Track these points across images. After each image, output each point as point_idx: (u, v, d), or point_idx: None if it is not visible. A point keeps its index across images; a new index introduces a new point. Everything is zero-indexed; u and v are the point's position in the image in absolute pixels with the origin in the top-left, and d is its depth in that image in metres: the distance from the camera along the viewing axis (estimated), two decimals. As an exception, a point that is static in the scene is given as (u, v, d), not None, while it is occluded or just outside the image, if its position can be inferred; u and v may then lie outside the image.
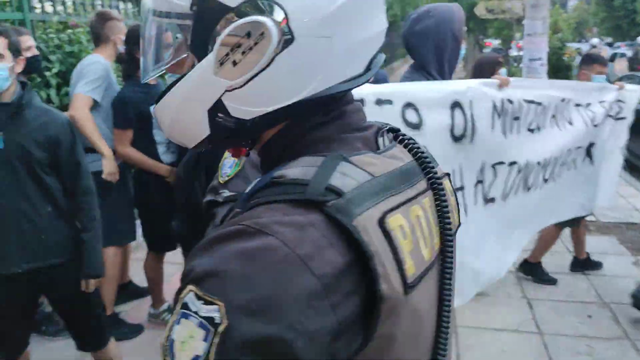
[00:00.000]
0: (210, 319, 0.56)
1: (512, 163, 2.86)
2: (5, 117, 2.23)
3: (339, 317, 0.60)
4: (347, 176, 0.67)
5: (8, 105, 2.24)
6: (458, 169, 2.53)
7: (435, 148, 2.34)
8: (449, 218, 0.78)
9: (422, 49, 2.52)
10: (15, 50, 2.25)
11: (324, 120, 0.76)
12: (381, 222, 0.66)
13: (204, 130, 0.76)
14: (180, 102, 0.75)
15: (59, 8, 5.06)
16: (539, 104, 3.03)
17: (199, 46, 0.71)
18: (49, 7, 4.91)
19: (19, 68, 2.30)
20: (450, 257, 0.79)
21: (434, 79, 2.53)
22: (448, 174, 0.89)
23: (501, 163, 2.78)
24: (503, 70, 4.34)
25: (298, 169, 0.68)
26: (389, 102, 2.25)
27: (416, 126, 2.31)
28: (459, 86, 2.52)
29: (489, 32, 25.08)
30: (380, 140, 0.79)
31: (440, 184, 0.79)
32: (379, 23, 0.76)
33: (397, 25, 36.87)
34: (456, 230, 0.88)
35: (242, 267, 0.57)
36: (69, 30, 4.48)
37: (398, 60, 26.51)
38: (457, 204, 0.93)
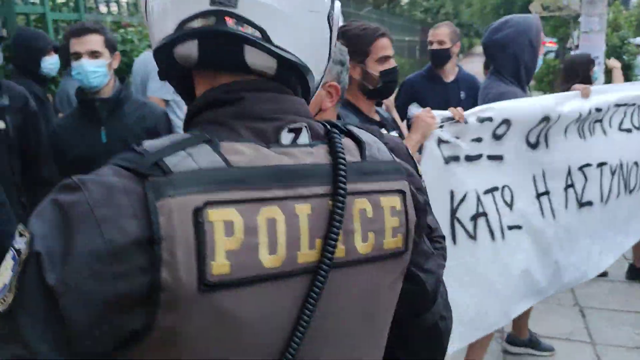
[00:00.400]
0: (18, 251, 0.61)
1: (601, 164, 2.88)
2: (106, 112, 2.28)
3: (118, 289, 0.60)
4: (191, 158, 0.66)
5: (108, 100, 2.30)
6: (540, 174, 2.63)
7: (511, 156, 2.44)
8: (334, 234, 0.72)
9: (501, 57, 2.68)
10: (112, 47, 2.30)
11: (220, 99, 0.75)
12: (197, 211, 0.63)
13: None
14: None
15: (113, 9, 5.22)
16: (632, 104, 3.08)
17: None
18: (103, 8, 5.07)
19: (116, 64, 2.35)
20: (323, 274, 0.72)
21: (511, 84, 2.68)
22: (401, 191, 0.82)
23: (588, 165, 2.81)
24: (596, 70, 4.25)
25: (159, 141, 0.69)
26: (489, 119, 2.38)
27: (499, 137, 2.44)
28: (548, 101, 2.67)
29: (545, 31, 24.41)
30: (284, 134, 0.75)
31: (341, 200, 0.73)
32: None
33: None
34: (401, 252, 0.82)
35: (50, 214, 0.62)
36: (122, 30, 4.62)
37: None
38: (413, 225, 0.84)
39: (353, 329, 0.80)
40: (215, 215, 0.64)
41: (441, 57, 3.80)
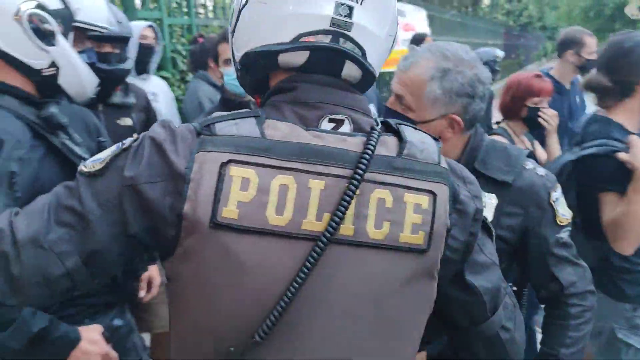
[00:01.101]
0: (124, 143, 0.88)
1: None
2: None
3: (164, 199, 0.82)
4: (235, 126, 0.84)
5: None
6: None
7: None
8: (340, 210, 0.80)
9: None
10: None
11: (280, 88, 0.91)
12: (222, 165, 0.80)
13: (235, 72, 1.02)
14: None
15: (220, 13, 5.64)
16: None
17: None
18: (210, 13, 5.50)
19: None
20: (324, 242, 0.80)
21: None
22: (432, 192, 0.87)
23: None
24: None
25: (225, 113, 0.88)
26: None
27: None
28: None
29: None
30: (325, 122, 0.88)
31: (353, 188, 0.81)
32: (315, 7, 0.85)
33: (533, 26, 35.25)
34: (421, 249, 0.86)
35: (144, 135, 0.87)
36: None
37: (533, 63, 25.39)
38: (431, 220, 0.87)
39: (355, 310, 0.85)
40: (236, 172, 0.80)
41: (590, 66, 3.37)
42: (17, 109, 1.31)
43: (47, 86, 1.41)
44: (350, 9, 0.85)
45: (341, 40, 0.87)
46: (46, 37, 1.35)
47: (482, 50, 5.39)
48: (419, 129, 0.93)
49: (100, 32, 1.96)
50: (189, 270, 0.82)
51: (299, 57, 0.89)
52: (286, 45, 0.87)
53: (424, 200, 0.86)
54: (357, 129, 0.89)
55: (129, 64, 2.27)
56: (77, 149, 1.42)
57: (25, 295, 0.84)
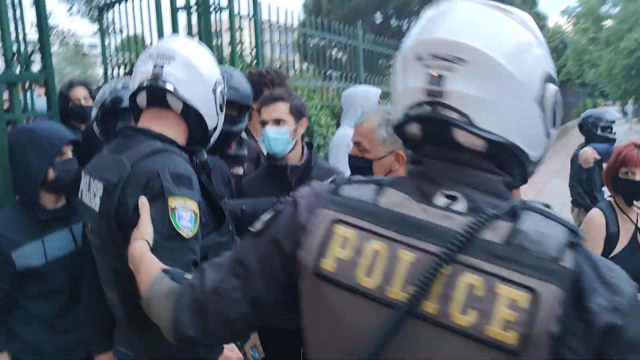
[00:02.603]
0: (278, 207, 1.02)
1: None
2: (295, 179, 2.35)
3: (292, 248, 0.94)
4: (357, 191, 0.93)
5: (298, 167, 2.38)
6: None
7: None
8: (422, 289, 0.80)
9: None
10: (298, 113, 2.37)
11: (414, 160, 0.96)
12: (332, 222, 0.90)
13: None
14: None
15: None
16: None
17: None
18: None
19: (302, 130, 2.41)
20: (402, 313, 0.81)
21: None
22: (533, 290, 0.76)
23: None
24: None
25: (358, 177, 0.99)
26: None
27: None
28: None
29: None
30: (439, 197, 0.88)
31: (436, 266, 0.80)
32: (411, 81, 0.90)
33: (572, 82, 35.29)
34: (512, 350, 0.75)
35: (282, 206, 1.01)
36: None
37: (572, 120, 25.38)
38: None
39: None
40: (340, 230, 0.90)
41: None
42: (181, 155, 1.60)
43: (197, 141, 1.71)
44: (441, 77, 0.86)
45: (439, 108, 0.87)
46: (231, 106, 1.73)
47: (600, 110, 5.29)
48: (553, 217, 0.84)
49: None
50: (301, 307, 0.95)
51: (414, 130, 0.93)
52: (401, 120, 0.94)
53: (522, 297, 0.76)
54: (474, 208, 0.85)
55: (243, 125, 2.56)
56: (214, 193, 1.71)
57: (212, 334, 1.01)
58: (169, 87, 1.59)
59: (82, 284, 2.00)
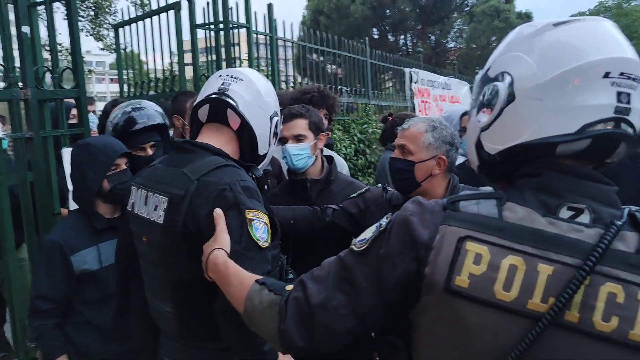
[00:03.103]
0: (381, 225, 1.03)
1: None
2: (315, 192, 2.37)
3: (409, 266, 0.95)
4: (477, 206, 0.94)
5: (318, 181, 2.38)
6: None
7: None
8: (564, 297, 0.84)
9: None
10: (316, 129, 2.38)
11: (528, 173, 0.97)
12: (460, 239, 0.91)
13: (475, 160, 1.08)
14: (466, 137, 1.11)
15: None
16: None
17: (476, 101, 1.06)
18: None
19: (321, 144, 2.42)
20: (544, 323, 0.84)
21: None
22: None
23: None
24: None
25: (470, 192, 1.00)
26: None
27: None
28: None
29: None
30: (563, 210, 0.91)
31: (580, 278, 0.83)
32: (597, 98, 0.89)
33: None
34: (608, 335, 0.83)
35: (398, 213, 1.02)
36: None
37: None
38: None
39: None
40: (471, 247, 0.90)
41: None
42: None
43: (245, 161, 1.76)
44: (629, 96, 0.89)
45: (622, 125, 0.90)
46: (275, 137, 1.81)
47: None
48: None
49: None
50: (423, 322, 0.96)
51: (580, 145, 0.92)
52: (572, 137, 0.91)
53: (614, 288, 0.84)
54: (597, 219, 0.90)
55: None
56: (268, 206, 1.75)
57: (320, 345, 1.03)
58: (231, 102, 1.66)
59: (130, 293, 2.07)
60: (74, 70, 2.71)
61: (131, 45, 4.47)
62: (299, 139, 2.32)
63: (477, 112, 1.04)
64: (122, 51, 4.67)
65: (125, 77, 4.64)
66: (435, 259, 0.92)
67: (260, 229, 1.47)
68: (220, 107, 1.68)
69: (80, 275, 2.13)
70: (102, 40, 12.92)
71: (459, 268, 0.90)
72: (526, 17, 25.05)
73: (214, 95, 1.68)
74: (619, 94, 0.89)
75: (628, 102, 0.90)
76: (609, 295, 0.83)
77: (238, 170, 1.59)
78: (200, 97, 1.75)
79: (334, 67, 6.45)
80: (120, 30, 4.65)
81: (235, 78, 1.70)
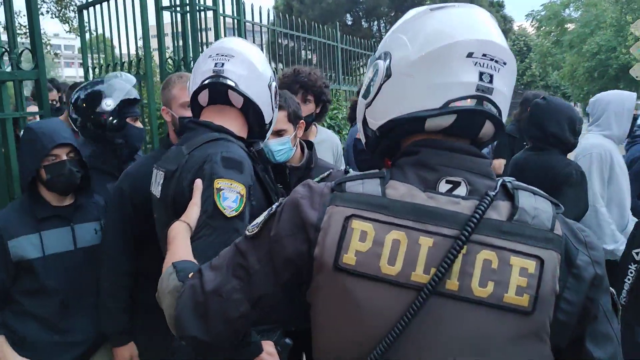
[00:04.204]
0: (272, 208, 1.06)
1: None
2: (294, 180, 2.35)
3: (298, 247, 0.98)
4: (362, 185, 0.97)
5: (298, 168, 2.39)
6: None
7: None
8: (443, 266, 0.89)
9: None
10: (296, 118, 2.33)
11: (407, 152, 1.02)
12: (346, 218, 0.94)
13: (363, 138, 1.14)
14: (357, 114, 1.16)
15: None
16: None
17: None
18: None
19: (300, 132, 2.40)
20: (427, 292, 0.89)
21: None
22: (539, 257, 0.90)
23: None
24: None
25: (357, 173, 1.02)
26: None
27: None
28: None
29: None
30: (442, 184, 0.96)
31: (457, 247, 0.89)
32: (460, 76, 0.96)
33: (536, 84, 36.12)
34: (526, 311, 0.89)
35: (288, 197, 1.04)
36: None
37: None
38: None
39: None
40: (356, 225, 0.94)
41: None
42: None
43: (255, 134, 1.79)
44: (491, 76, 0.96)
45: (484, 103, 0.97)
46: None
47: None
48: (538, 193, 0.98)
49: None
50: (318, 302, 0.98)
51: (446, 120, 0.98)
52: (436, 111, 0.97)
53: (530, 265, 0.90)
54: (473, 191, 0.96)
55: None
56: (269, 181, 1.78)
57: (215, 333, 1.03)
58: (231, 83, 1.66)
59: (92, 281, 2.07)
60: (32, 51, 2.64)
61: (96, 28, 4.37)
62: (279, 133, 2.25)
63: (364, 91, 1.09)
64: (88, 34, 4.56)
65: (92, 61, 4.55)
66: (324, 239, 0.95)
67: (230, 198, 1.47)
68: (220, 90, 1.68)
69: (19, 263, 2.05)
70: (68, 23, 12.59)
71: (346, 246, 0.93)
72: (498, 6, 25.31)
73: (210, 80, 1.67)
74: (481, 73, 0.96)
75: (490, 82, 0.96)
76: (485, 262, 0.89)
77: (227, 143, 1.60)
78: (193, 80, 1.75)
79: (308, 53, 6.43)
80: (85, 12, 4.54)
81: (226, 56, 1.69)
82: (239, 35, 4.29)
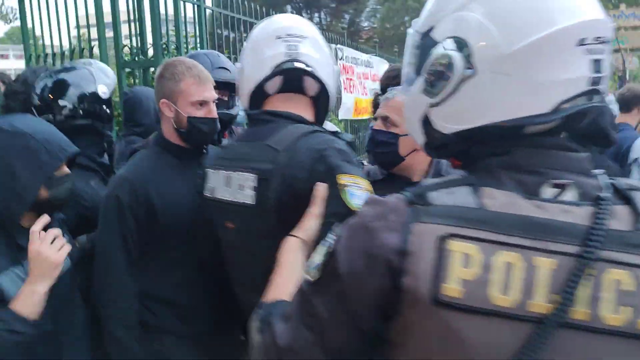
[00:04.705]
0: (330, 245, 0.88)
1: None
2: None
3: (380, 281, 0.80)
4: (451, 195, 0.80)
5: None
6: None
7: None
8: (568, 292, 0.73)
9: None
10: None
11: (494, 152, 0.84)
12: (442, 239, 0.76)
13: (420, 138, 0.95)
14: (406, 110, 0.98)
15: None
16: None
17: (420, 68, 0.91)
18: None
19: None
20: (549, 326, 0.74)
21: None
22: None
23: None
24: None
25: (436, 180, 0.85)
26: None
27: None
28: None
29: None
30: (546, 189, 0.80)
31: (583, 262, 0.73)
32: (572, 70, 0.79)
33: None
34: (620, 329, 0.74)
35: (351, 219, 0.87)
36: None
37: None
38: None
39: None
40: (457, 246, 0.76)
41: None
42: None
43: (320, 123, 1.60)
44: (600, 63, 0.80)
45: (595, 97, 0.82)
46: None
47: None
48: None
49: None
50: (410, 341, 0.81)
51: (551, 124, 0.83)
52: (548, 117, 0.80)
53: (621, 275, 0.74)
54: (583, 195, 0.80)
55: (235, 110, 2.37)
56: None
57: None
58: (308, 68, 1.46)
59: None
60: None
61: (40, 14, 4.00)
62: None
63: (423, 83, 0.89)
64: (30, 21, 4.17)
65: (35, 49, 4.17)
66: (415, 266, 0.77)
67: (358, 196, 1.28)
68: (293, 77, 1.48)
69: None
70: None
71: (446, 274, 0.75)
72: None
73: (286, 65, 1.45)
74: (593, 62, 0.79)
75: (600, 71, 0.80)
76: (615, 283, 0.74)
77: (328, 136, 1.40)
78: (255, 66, 1.49)
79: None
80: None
81: (298, 37, 1.47)
82: (199, 22, 4.03)
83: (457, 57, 0.82)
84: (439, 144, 0.93)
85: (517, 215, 0.77)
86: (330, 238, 0.88)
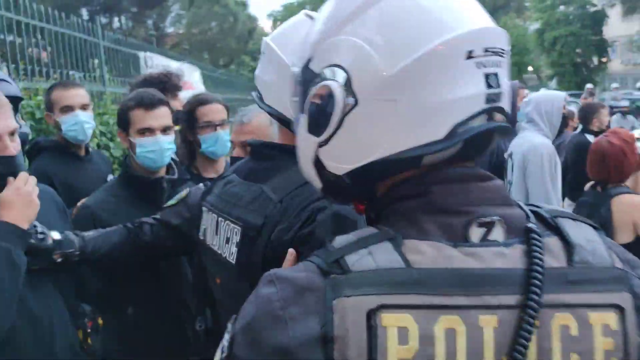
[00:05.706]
0: (228, 339, 0.72)
1: None
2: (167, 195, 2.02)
3: None
4: (371, 256, 0.67)
5: (176, 180, 2.14)
6: None
7: None
8: (519, 352, 0.64)
9: None
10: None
11: (408, 194, 0.73)
12: (370, 313, 0.63)
13: (317, 182, 0.82)
14: (298, 153, 0.83)
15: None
16: None
17: (302, 105, 0.79)
18: None
19: None
20: None
21: None
22: (618, 306, 0.67)
23: None
24: None
25: (347, 237, 0.71)
26: None
27: None
28: None
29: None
30: (474, 230, 0.69)
31: (530, 314, 0.64)
32: (464, 88, 0.69)
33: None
34: None
35: (248, 307, 0.70)
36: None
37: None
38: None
39: None
40: (389, 320, 0.63)
41: None
42: None
43: None
44: (497, 76, 0.71)
45: (496, 115, 0.73)
46: None
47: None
48: (577, 218, 0.75)
49: None
50: None
51: (452, 150, 0.72)
52: (445, 143, 0.69)
53: (611, 319, 0.67)
54: (511, 230, 0.70)
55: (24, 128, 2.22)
56: None
57: None
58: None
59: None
60: None
61: None
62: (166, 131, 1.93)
63: (306, 120, 0.77)
64: None
65: None
66: (343, 353, 0.63)
67: None
68: None
69: None
70: None
71: (382, 357, 0.63)
72: (242, 6, 25.93)
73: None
74: (487, 76, 0.70)
75: (498, 85, 0.71)
76: (562, 329, 0.66)
77: None
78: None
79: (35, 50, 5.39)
80: None
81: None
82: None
83: (335, 87, 0.71)
84: (336, 190, 0.81)
85: (450, 269, 0.66)
86: (225, 339, 0.71)
